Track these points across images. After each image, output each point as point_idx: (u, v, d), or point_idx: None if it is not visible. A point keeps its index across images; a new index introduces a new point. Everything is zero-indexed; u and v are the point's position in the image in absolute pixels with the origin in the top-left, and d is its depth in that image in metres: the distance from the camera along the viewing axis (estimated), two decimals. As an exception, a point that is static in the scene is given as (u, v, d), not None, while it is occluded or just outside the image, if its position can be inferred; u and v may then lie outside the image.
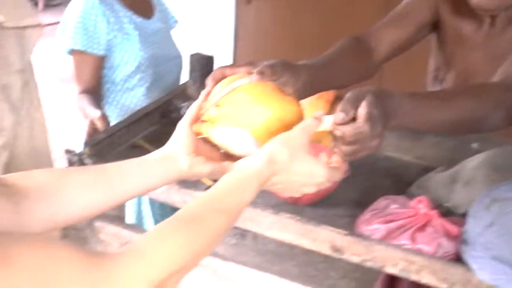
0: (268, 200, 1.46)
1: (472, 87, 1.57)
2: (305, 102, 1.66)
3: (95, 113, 1.97)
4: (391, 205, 1.39)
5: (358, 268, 1.52)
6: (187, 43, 2.72)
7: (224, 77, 1.21)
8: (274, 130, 1.09)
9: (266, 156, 0.98)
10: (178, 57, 2.44)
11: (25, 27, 1.36)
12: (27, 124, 1.44)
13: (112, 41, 2.20)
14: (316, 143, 1.60)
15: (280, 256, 1.67)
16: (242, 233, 1.75)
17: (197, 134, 1.10)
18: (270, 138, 1.07)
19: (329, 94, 1.66)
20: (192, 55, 1.93)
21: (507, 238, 1.17)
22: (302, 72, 1.34)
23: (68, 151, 1.54)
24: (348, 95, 1.15)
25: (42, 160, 1.51)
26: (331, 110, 1.65)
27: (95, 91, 2.23)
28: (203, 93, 1.16)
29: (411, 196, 1.42)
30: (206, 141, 1.11)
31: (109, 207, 1.04)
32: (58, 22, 2.26)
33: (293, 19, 3.33)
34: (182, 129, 1.10)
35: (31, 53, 1.40)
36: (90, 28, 2.16)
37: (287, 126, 1.10)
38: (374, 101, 1.15)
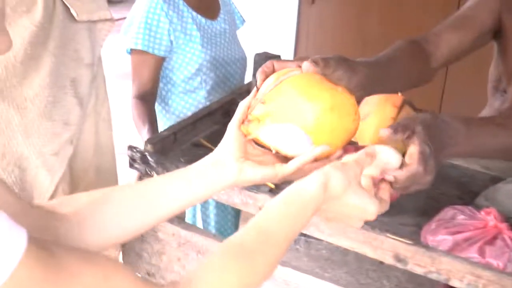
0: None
1: None
2: (372, 105, 1.65)
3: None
4: (458, 215, 1.37)
5: (412, 278, 1.50)
6: (248, 42, 2.71)
7: (274, 71, 1.17)
8: (326, 122, 1.04)
9: (321, 179, 0.93)
10: (242, 59, 2.42)
11: (96, 21, 1.37)
12: (92, 119, 1.45)
13: (173, 42, 2.20)
14: None
15: (332, 263, 1.66)
16: (297, 238, 1.75)
17: (246, 135, 1.06)
18: (324, 131, 1.04)
19: (397, 98, 1.64)
20: (257, 54, 1.93)
21: None
22: (359, 69, 1.27)
23: (131, 148, 1.56)
24: (396, 125, 1.14)
25: (106, 156, 1.52)
26: (398, 115, 1.63)
27: (152, 94, 2.23)
28: (253, 90, 1.12)
29: (478, 207, 1.40)
30: (257, 142, 1.07)
31: (154, 223, 1.03)
32: (118, 20, 2.29)
33: (357, 19, 3.31)
34: (231, 132, 1.07)
35: (101, 47, 1.41)
36: (153, 28, 2.16)
37: (341, 116, 1.06)
38: (425, 135, 1.12)
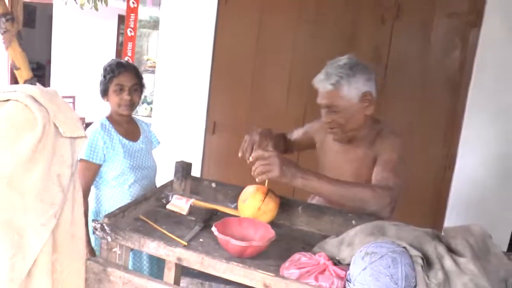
0: (222, 254, 1.47)
1: (356, 182, 1.77)
2: (248, 194, 1.72)
3: None
4: (302, 258, 1.41)
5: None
6: (169, 154, 2.75)
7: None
8: None
9: None
10: (153, 167, 2.46)
11: (76, 137, 1.40)
12: (70, 201, 1.42)
13: (106, 155, 2.25)
14: (253, 219, 1.65)
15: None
16: (202, 283, 1.74)
17: None
18: None
19: (264, 189, 1.72)
20: (177, 162, 1.98)
21: (375, 278, 1.22)
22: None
23: (94, 221, 1.56)
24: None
25: (78, 227, 1.48)
26: (265, 199, 1.71)
27: (88, 192, 2.27)
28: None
29: (314, 253, 1.45)
30: None
31: None
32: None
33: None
34: None
35: (78, 154, 1.42)
36: (93, 146, 2.22)
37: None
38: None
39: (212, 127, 3.38)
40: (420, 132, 3.01)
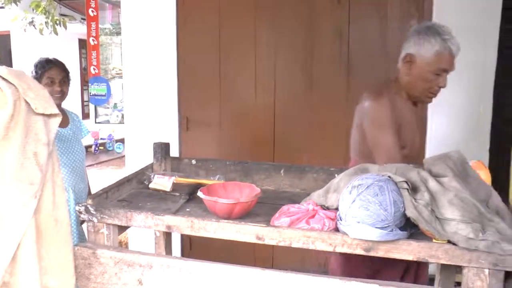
0: (210, 216, 1.45)
1: None
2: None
3: None
4: (291, 208, 1.42)
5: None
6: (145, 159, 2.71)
7: None
8: None
9: None
10: (81, 151, 2.57)
11: (49, 115, 1.36)
12: (50, 184, 1.38)
13: None
14: (238, 182, 1.63)
15: None
16: None
17: None
18: None
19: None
20: (154, 143, 1.96)
21: (364, 208, 1.23)
22: None
23: (78, 203, 1.53)
24: None
25: (61, 211, 1.43)
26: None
27: None
28: None
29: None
30: None
31: None
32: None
33: (217, 140, 3.42)
34: None
35: (53, 133, 1.38)
36: None
37: None
38: None
39: (185, 124, 3.36)
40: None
